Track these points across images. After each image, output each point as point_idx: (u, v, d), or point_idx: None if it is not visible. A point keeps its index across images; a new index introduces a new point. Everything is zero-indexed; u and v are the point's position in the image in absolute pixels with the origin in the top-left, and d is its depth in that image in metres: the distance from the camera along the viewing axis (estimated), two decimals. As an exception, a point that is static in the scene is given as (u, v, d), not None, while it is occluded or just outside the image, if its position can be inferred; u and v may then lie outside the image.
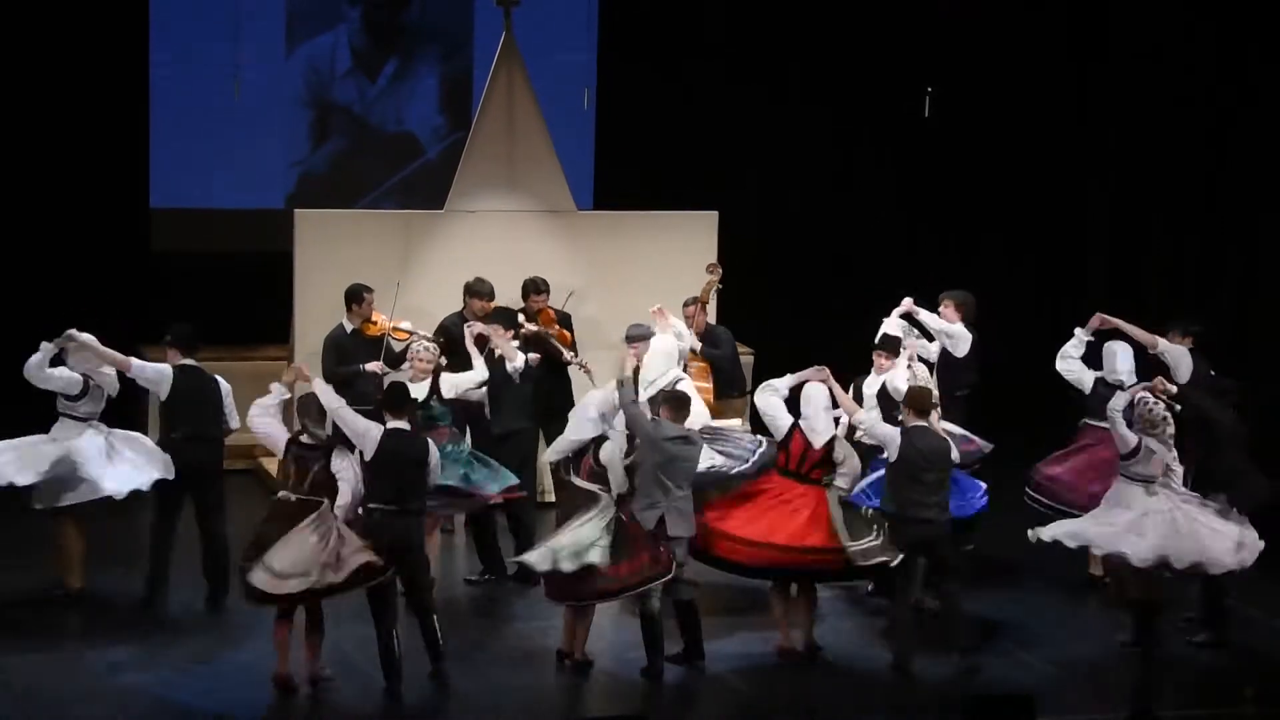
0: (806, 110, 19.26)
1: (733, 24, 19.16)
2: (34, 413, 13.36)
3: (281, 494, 11.76)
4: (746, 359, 16.76)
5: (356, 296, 14.70)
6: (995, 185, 19.01)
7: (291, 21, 18.50)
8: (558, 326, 15.00)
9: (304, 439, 11.76)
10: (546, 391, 14.35)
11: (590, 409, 12.32)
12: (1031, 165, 18.73)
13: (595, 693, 11.99)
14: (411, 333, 14.67)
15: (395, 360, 14.72)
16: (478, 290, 14.86)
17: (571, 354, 14.83)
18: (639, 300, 15.67)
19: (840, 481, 12.37)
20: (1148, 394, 12.80)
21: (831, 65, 19.20)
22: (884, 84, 19.12)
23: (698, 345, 14.60)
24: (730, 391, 14.97)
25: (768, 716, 11.85)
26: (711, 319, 15.40)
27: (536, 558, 11.96)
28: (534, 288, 14.99)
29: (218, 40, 17.92)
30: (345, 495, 11.58)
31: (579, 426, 12.31)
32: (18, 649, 12.19)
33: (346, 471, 11.62)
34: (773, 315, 18.34)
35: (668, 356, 13.77)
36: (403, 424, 11.74)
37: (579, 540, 11.82)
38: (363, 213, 17.41)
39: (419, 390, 13.33)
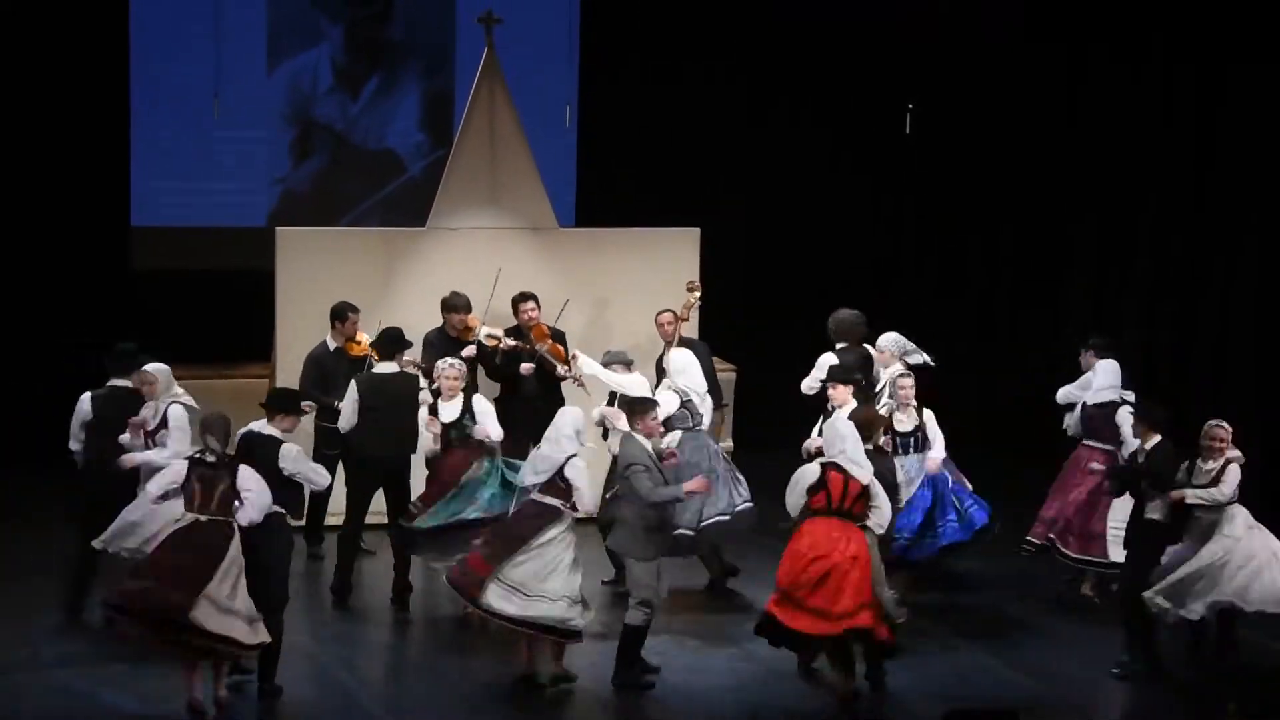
0: (788, 127, 19.28)
1: (714, 41, 19.17)
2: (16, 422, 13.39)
3: (188, 516, 11.40)
4: (729, 375, 16.75)
5: (341, 315, 14.66)
6: (976, 201, 19.03)
7: (273, 39, 18.48)
8: (550, 341, 14.98)
9: (207, 458, 11.47)
10: (540, 406, 14.26)
11: (567, 428, 12.23)
12: (1013, 182, 18.74)
13: (575, 710, 11.99)
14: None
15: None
16: (454, 304, 14.86)
17: (565, 368, 14.82)
18: (621, 317, 15.70)
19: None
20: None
21: (813, 82, 19.22)
22: (865, 100, 19.15)
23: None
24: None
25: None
26: (695, 335, 15.39)
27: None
28: (520, 298, 14.95)
29: (199, 58, 17.89)
30: (250, 511, 11.34)
31: (558, 446, 12.21)
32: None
33: (252, 483, 11.39)
34: (754, 332, 18.36)
35: (642, 388, 13.69)
36: None
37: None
38: (345, 230, 17.39)
39: (451, 409, 13.39)
